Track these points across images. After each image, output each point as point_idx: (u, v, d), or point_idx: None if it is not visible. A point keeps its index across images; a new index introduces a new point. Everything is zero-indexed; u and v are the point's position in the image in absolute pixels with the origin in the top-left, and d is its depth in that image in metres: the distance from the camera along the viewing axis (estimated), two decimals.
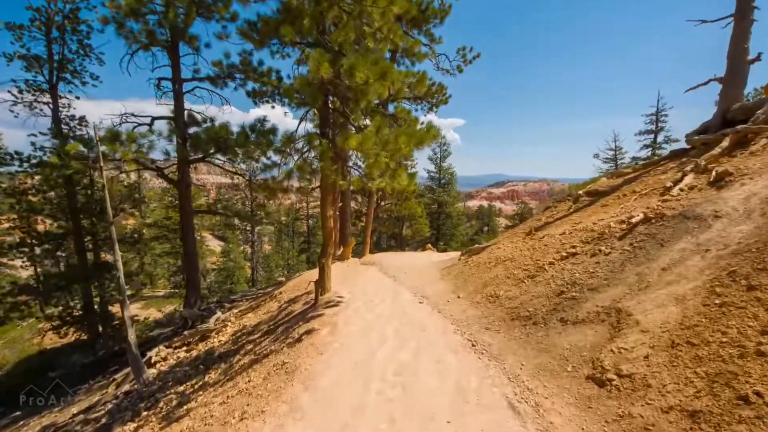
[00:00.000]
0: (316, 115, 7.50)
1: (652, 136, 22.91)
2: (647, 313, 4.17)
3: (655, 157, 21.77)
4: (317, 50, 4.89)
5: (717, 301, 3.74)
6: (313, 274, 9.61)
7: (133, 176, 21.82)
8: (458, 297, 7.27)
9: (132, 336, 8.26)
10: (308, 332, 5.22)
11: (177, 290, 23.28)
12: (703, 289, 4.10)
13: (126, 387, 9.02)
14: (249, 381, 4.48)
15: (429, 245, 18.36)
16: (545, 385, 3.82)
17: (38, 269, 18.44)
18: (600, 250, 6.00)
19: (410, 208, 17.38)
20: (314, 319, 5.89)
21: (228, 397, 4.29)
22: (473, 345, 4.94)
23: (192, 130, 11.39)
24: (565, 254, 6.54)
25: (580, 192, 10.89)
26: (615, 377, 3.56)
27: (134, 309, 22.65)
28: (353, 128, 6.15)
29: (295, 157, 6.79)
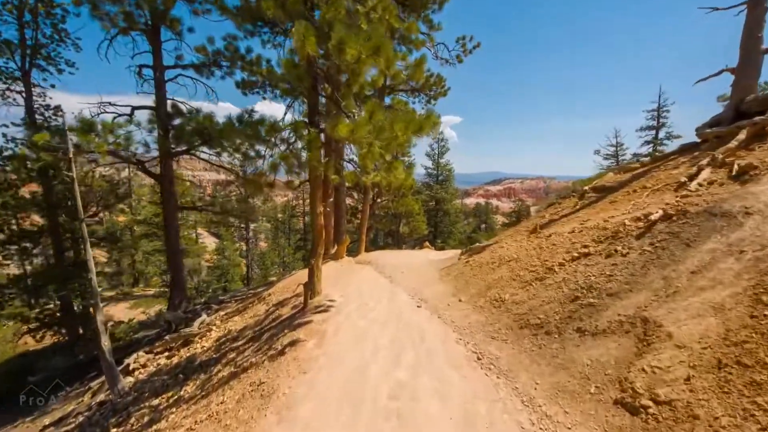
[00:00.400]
0: (305, 102, 6.86)
1: (654, 132, 22.45)
2: (680, 324, 3.62)
3: (656, 153, 21.38)
4: (301, 22, 4.25)
5: (767, 312, 3.20)
6: (305, 274, 9.03)
7: (123, 170, 21.02)
8: (459, 300, 6.71)
9: (106, 342, 7.62)
10: (293, 343, 4.63)
11: (167, 289, 22.57)
12: (744, 296, 3.56)
13: (101, 396, 8.39)
14: (222, 402, 3.89)
15: (427, 243, 17.81)
16: (566, 411, 3.27)
17: (26, 267, 17.68)
18: (616, 251, 5.46)
19: (407, 204, 16.80)
20: (301, 327, 5.30)
21: (196, 422, 3.70)
22: (479, 358, 4.38)
23: (176, 121, 10.69)
24: (576, 254, 5.99)
25: (586, 188, 10.36)
26: (650, 403, 3.01)
27: (122, 309, 21.90)
28: (345, 116, 5.53)
29: (282, 148, 6.16)
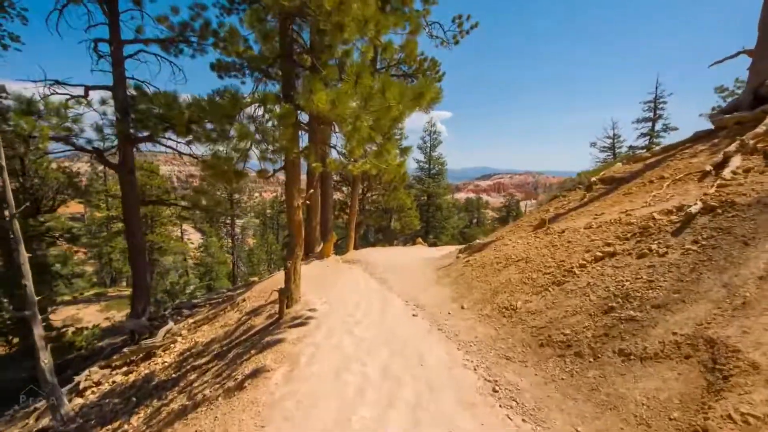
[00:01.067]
0: (279, 76, 5.78)
1: (650, 123, 21.94)
2: (766, 349, 2.74)
3: (653, 145, 20.90)
4: None
5: None
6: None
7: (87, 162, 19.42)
8: (462, 308, 5.78)
9: (46, 360, 6.46)
10: (256, 374, 3.62)
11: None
12: None
13: (45, 421, 7.22)
14: None
15: (419, 239, 16.89)
16: None
17: None
18: (650, 250, 4.58)
19: (399, 199, 15.84)
20: (270, 347, 4.28)
21: None
22: (495, 390, 3.44)
23: (138, 105, 9.40)
24: (599, 254, 5.11)
25: (594, 179, 9.55)
26: None
27: (93, 311, 20.41)
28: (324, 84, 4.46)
29: (251, 128, 5.05)
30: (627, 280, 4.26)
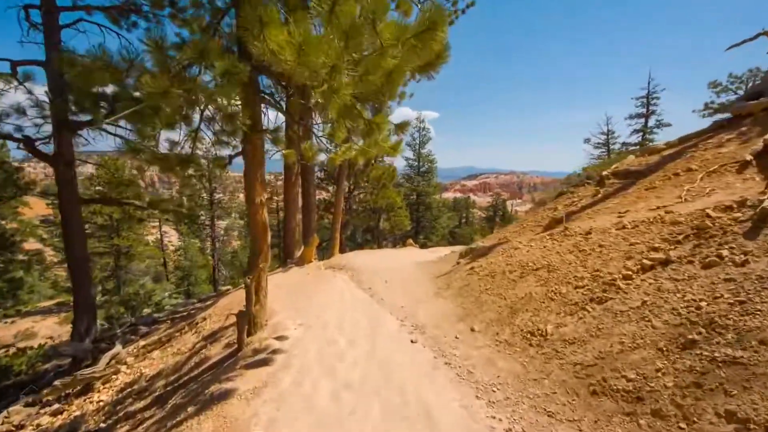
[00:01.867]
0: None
1: (643, 120, 21.45)
2: None
3: (646, 142, 20.41)
4: None
5: None
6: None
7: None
8: (472, 330, 4.62)
9: None
10: None
11: (107, 297, 19.25)
12: None
13: None
14: None
15: (410, 241, 15.74)
16: None
17: None
18: (721, 257, 3.52)
19: (388, 197, 14.64)
20: (213, 405, 3.00)
21: None
22: None
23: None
24: (647, 262, 4.03)
25: (606, 173, 8.59)
26: None
27: (50, 324, 18.42)
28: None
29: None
30: (702, 299, 3.17)
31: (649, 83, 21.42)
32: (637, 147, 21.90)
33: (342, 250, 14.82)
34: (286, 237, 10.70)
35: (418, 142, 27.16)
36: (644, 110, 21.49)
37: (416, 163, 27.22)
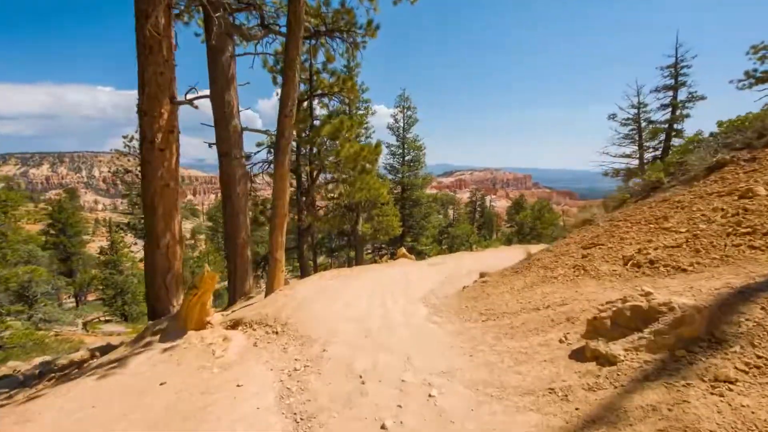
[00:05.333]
0: None
1: (672, 92, 17.88)
2: None
3: (685, 115, 16.55)
4: None
5: None
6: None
7: None
8: None
9: None
10: None
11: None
12: None
13: None
14: None
15: (403, 250, 11.00)
16: None
17: None
18: None
19: (369, 186, 9.78)
20: None
21: None
22: None
23: None
24: None
25: None
26: None
27: None
28: None
29: None
30: None
31: (676, 50, 17.90)
32: (666, 125, 18.48)
33: (303, 273, 9.87)
34: (149, 274, 5.58)
35: (401, 125, 22.50)
36: (672, 81, 18.02)
37: (401, 151, 22.56)
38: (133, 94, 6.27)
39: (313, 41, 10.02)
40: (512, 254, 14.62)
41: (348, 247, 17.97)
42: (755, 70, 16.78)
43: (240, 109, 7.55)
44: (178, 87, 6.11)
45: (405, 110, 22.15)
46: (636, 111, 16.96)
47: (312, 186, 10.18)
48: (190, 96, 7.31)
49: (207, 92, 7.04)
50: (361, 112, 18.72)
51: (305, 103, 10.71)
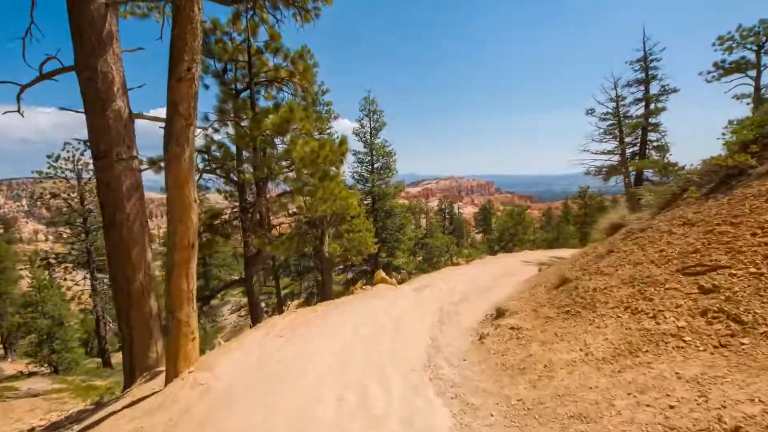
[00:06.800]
0: None
1: (643, 87, 17.41)
2: None
3: (660, 108, 15.86)
4: None
5: None
6: None
7: None
8: None
9: None
10: None
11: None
12: None
13: None
14: None
15: (381, 274, 8.74)
16: None
17: None
18: None
19: (334, 195, 7.42)
20: None
21: None
22: None
23: None
24: None
25: None
26: None
27: None
28: None
29: None
30: None
31: (644, 43, 17.56)
32: (643, 119, 17.87)
33: (253, 315, 7.43)
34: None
35: (368, 129, 20.49)
36: (643, 75, 17.59)
37: (369, 158, 20.47)
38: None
39: (251, 12, 7.70)
40: (505, 267, 12.72)
41: (315, 268, 15.38)
42: (723, 61, 16.71)
43: (131, 87, 5.02)
44: None
45: (371, 114, 20.19)
46: (615, 105, 16.15)
47: (259, 199, 7.68)
48: (51, 71, 4.74)
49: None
50: (323, 115, 16.48)
51: (244, 95, 8.27)
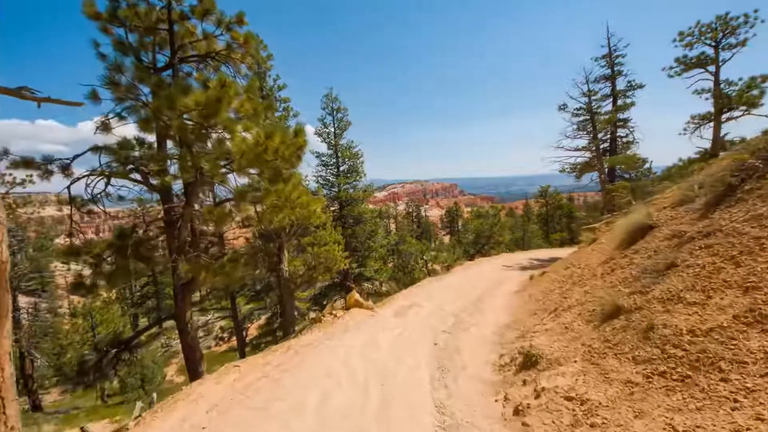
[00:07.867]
0: None
1: (610, 83, 17.30)
2: None
3: (629, 104, 15.69)
4: None
5: None
6: None
7: None
8: None
9: None
10: None
11: None
12: None
13: None
14: None
15: (355, 296, 7.07)
16: None
17: None
18: None
19: (292, 201, 5.72)
20: None
21: None
22: None
23: None
24: None
25: None
26: None
27: None
28: None
29: None
30: None
31: (608, 39, 17.52)
32: (612, 113, 17.76)
33: (188, 361, 5.50)
34: None
35: (332, 130, 18.71)
36: (609, 71, 17.53)
37: (334, 160, 18.67)
38: None
39: None
40: (489, 275, 11.49)
41: (275, 288, 13.27)
42: (685, 56, 16.95)
43: None
44: None
45: (334, 112, 18.46)
46: (587, 99, 15.74)
47: (187, 209, 5.70)
48: None
49: None
50: (279, 113, 14.50)
51: (165, 74, 6.26)
